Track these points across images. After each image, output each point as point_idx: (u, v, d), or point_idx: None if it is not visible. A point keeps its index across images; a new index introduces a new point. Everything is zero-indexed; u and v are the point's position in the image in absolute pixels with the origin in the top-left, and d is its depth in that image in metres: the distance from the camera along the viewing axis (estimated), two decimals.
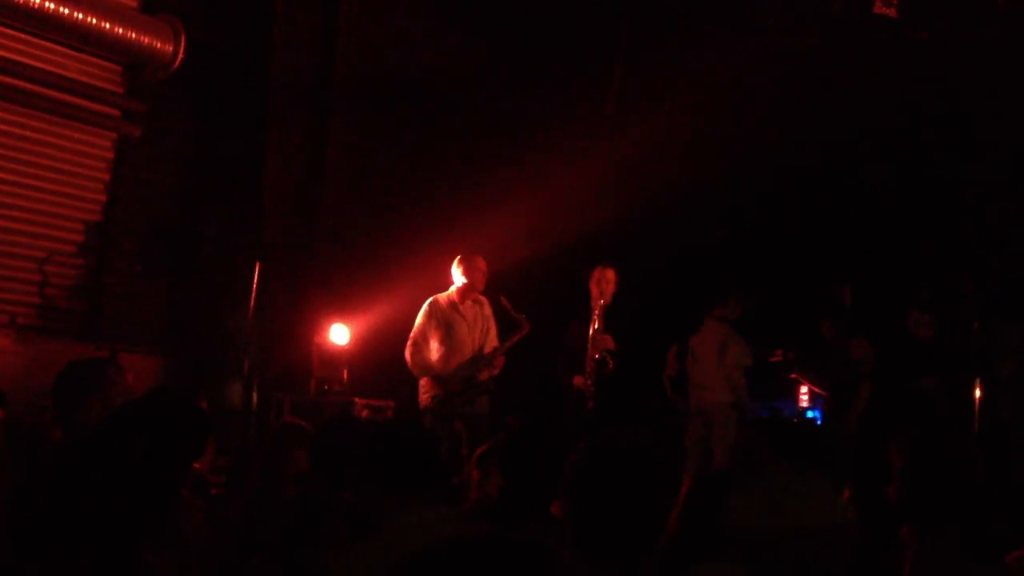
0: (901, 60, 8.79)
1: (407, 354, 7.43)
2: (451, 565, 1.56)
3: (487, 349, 7.51)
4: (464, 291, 7.50)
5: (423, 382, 7.42)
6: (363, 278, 8.62)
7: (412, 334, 7.47)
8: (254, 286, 7.04)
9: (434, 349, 7.41)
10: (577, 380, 7.51)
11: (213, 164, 8.42)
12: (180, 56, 7.77)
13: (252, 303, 7.02)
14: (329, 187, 8.79)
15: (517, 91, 9.41)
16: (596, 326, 7.48)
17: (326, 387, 8.00)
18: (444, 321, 7.43)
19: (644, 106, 9.37)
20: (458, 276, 7.51)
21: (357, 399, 7.93)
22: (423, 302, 7.63)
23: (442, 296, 7.55)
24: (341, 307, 8.47)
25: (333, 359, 8.23)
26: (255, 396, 7.38)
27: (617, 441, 2.46)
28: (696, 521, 2.79)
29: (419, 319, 7.49)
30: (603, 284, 7.65)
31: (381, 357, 8.35)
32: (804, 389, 9.51)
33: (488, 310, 7.60)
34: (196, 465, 4.01)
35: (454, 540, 1.59)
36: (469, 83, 9.22)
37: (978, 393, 6.49)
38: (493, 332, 7.59)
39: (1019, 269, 8.23)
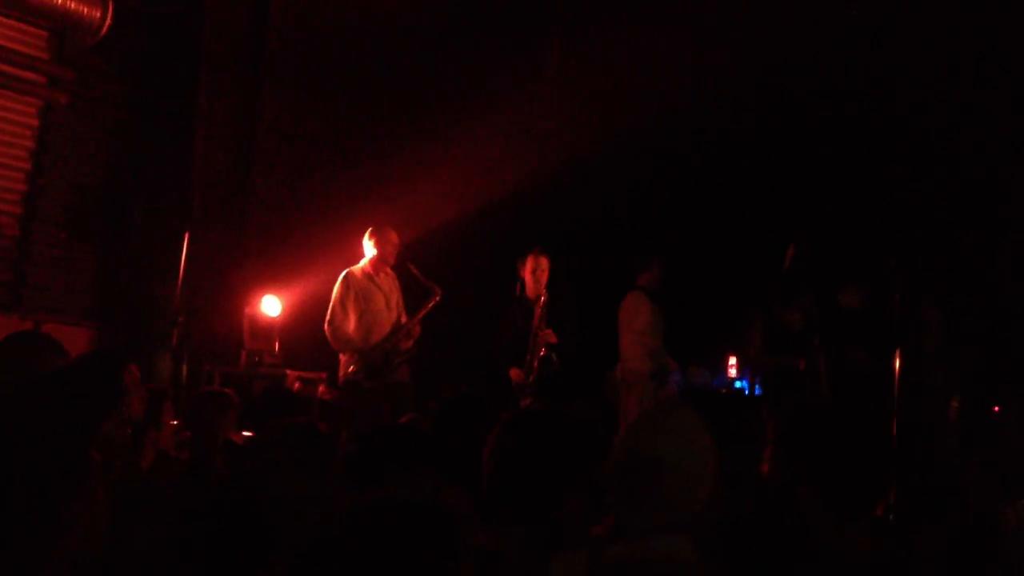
0: (837, 31, 8.90)
1: (327, 329, 7.26)
2: (350, 529, 1.60)
3: (403, 319, 7.45)
4: (376, 263, 7.38)
5: (343, 357, 7.32)
6: (295, 249, 8.56)
7: (331, 308, 7.33)
8: (183, 256, 6.96)
9: (352, 322, 7.31)
10: (514, 373, 7.46)
11: (142, 132, 8.31)
12: (108, 22, 7.64)
13: (181, 274, 6.94)
14: (260, 156, 8.71)
15: (452, 62, 9.38)
16: (537, 320, 7.40)
17: (257, 359, 7.94)
18: (362, 293, 7.32)
19: (579, 82, 9.40)
20: (369, 248, 7.37)
21: (289, 371, 7.89)
22: None
23: (356, 268, 7.41)
24: (273, 278, 8.40)
25: (265, 331, 8.17)
26: (185, 368, 7.31)
27: (536, 412, 2.53)
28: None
29: (336, 293, 7.31)
30: (538, 273, 7.51)
31: (314, 329, 8.31)
32: (732, 360, 9.67)
33: (396, 280, 7.52)
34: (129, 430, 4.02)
35: (354, 504, 1.62)
36: (403, 52, 9.16)
37: (898, 364, 6.63)
38: (397, 299, 7.50)
39: (942, 247, 8.43)
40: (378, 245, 7.35)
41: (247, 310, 8.18)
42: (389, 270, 7.43)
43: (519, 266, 7.59)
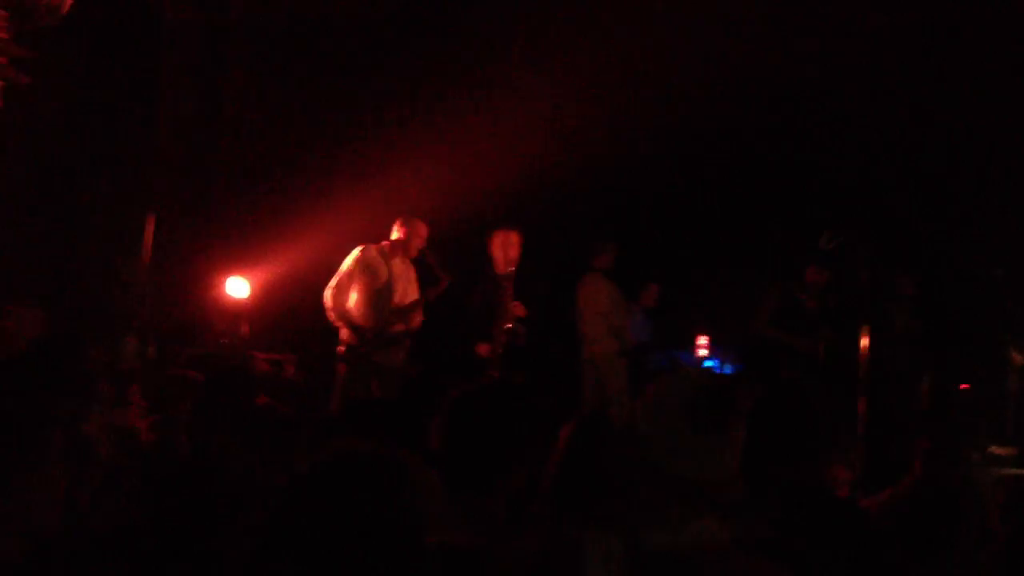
0: (799, 19, 8.93)
1: (327, 297, 7.25)
2: (310, 480, 1.61)
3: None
4: (395, 246, 7.41)
5: (342, 332, 7.33)
6: (263, 230, 8.51)
7: (337, 276, 7.32)
8: (148, 238, 6.90)
9: (354, 296, 7.31)
10: (481, 348, 7.42)
11: (105, 112, 8.20)
12: (69, 2, 7.52)
13: (146, 256, 6.88)
14: (225, 136, 8.64)
15: (421, 42, 9.32)
16: (504, 293, 7.38)
17: (224, 340, 7.90)
18: (370, 271, 7.32)
19: (549, 63, 9.36)
20: (396, 232, 7.41)
21: (256, 353, 7.85)
22: (323, 255, 7.57)
23: (374, 246, 7.44)
24: (241, 260, 8.35)
25: (232, 312, 8.14)
26: (152, 349, 7.26)
27: (482, 386, 2.55)
28: (575, 462, 2.86)
29: (346, 264, 7.32)
30: (507, 248, 7.44)
31: (282, 311, 8.28)
32: (703, 340, 9.71)
33: (413, 272, 7.54)
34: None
35: (311, 461, 1.66)
36: (371, 31, 9.10)
37: (864, 342, 6.69)
38: (413, 293, 7.51)
39: (909, 220, 8.49)
40: (405, 233, 7.40)
41: (214, 292, 8.14)
42: (406, 258, 7.45)
43: (488, 241, 7.55)
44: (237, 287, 8.15)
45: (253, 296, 8.23)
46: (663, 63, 9.06)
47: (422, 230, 7.45)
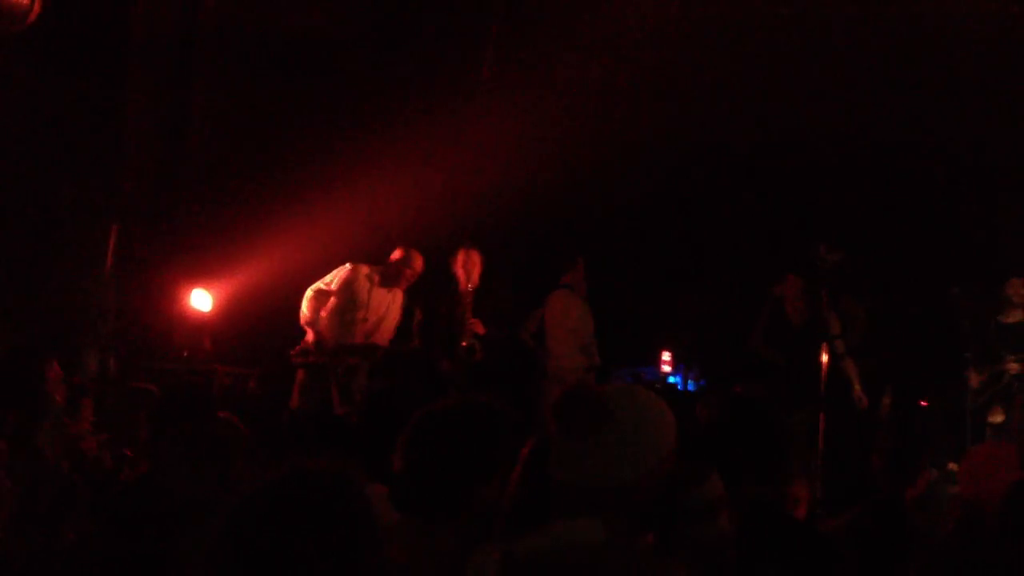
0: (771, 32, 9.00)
1: (304, 299, 7.33)
2: (263, 502, 1.61)
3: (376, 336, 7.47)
4: (387, 274, 7.43)
5: (310, 334, 7.33)
6: (226, 244, 8.45)
7: (320, 284, 7.36)
8: (111, 249, 6.85)
9: (330, 305, 7.33)
10: (445, 364, 7.48)
11: (70, 121, 8.13)
12: (36, 9, 7.47)
13: (109, 267, 6.83)
14: (191, 148, 8.59)
15: (388, 55, 9.32)
16: (464, 311, 7.46)
17: (187, 354, 7.85)
18: (351, 291, 7.35)
19: (517, 80, 9.39)
20: (395, 258, 7.44)
21: (220, 366, 7.81)
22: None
23: (364, 267, 7.45)
24: (204, 273, 8.30)
25: (196, 326, 8.08)
26: (113, 363, 7.20)
27: (447, 406, 2.53)
28: (533, 479, 2.86)
29: (332, 276, 7.38)
30: (469, 267, 7.55)
31: (246, 325, 8.23)
32: (666, 355, 9.75)
33: (399, 301, 7.54)
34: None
35: (267, 480, 1.66)
36: (338, 44, 9.09)
37: (824, 358, 6.76)
38: (390, 318, 7.52)
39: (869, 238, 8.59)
40: (399, 263, 7.40)
41: (177, 305, 8.08)
42: (394, 287, 7.45)
43: (451, 261, 7.62)
44: (200, 300, 8.10)
45: (217, 309, 8.18)
46: (632, 79, 9.12)
47: (417, 264, 7.46)
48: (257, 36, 8.73)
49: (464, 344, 7.34)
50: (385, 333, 7.53)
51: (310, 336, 7.34)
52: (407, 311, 7.61)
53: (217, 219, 8.57)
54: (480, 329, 7.40)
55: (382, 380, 6.99)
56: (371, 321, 7.44)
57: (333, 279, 7.37)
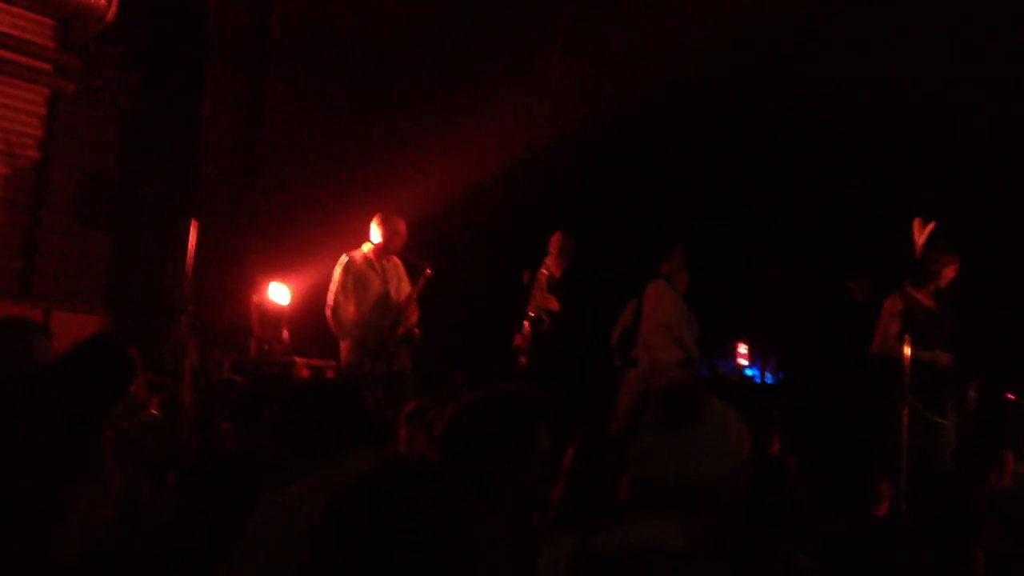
0: (834, 31, 8.88)
1: (328, 314, 7.23)
2: (364, 494, 1.63)
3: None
4: (379, 250, 7.34)
5: (344, 344, 7.30)
6: (304, 237, 8.55)
7: (332, 293, 7.28)
8: (191, 245, 6.97)
9: (352, 308, 7.27)
10: (517, 339, 7.58)
11: (150, 119, 8.29)
12: (113, 10, 7.61)
13: (189, 262, 6.94)
14: (268, 143, 8.71)
15: (458, 50, 9.36)
16: (543, 286, 7.58)
17: (266, 347, 7.95)
18: (360, 279, 7.25)
19: (588, 67, 9.37)
20: (376, 234, 7.28)
21: (298, 358, 7.89)
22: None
23: (357, 253, 7.35)
24: (282, 266, 8.41)
25: (274, 319, 8.19)
26: (195, 355, 7.31)
27: (480, 396, 2.54)
28: (584, 479, 2.86)
29: (336, 278, 7.25)
30: (564, 248, 7.83)
31: (322, 316, 8.31)
32: (743, 348, 9.65)
33: (402, 269, 7.46)
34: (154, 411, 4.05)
35: (364, 473, 1.70)
36: (410, 41, 9.15)
37: (907, 351, 6.60)
38: (406, 288, 7.44)
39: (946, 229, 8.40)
40: (384, 234, 7.28)
41: (256, 298, 8.20)
42: (394, 258, 7.40)
43: (549, 241, 7.80)
44: (279, 293, 8.20)
45: (294, 302, 8.28)
46: (712, 66, 9.05)
47: (400, 226, 7.30)
48: (330, 33, 8.81)
49: (532, 314, 7.41)
50: (403, 302, 7.43)
51: (342, 348, 7.29)
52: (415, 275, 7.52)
53: (293, 214, 8.68)
54: (555, 306, 7.47)
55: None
56: (393, 297, 7.36)
57: (337, 280, 7.29)
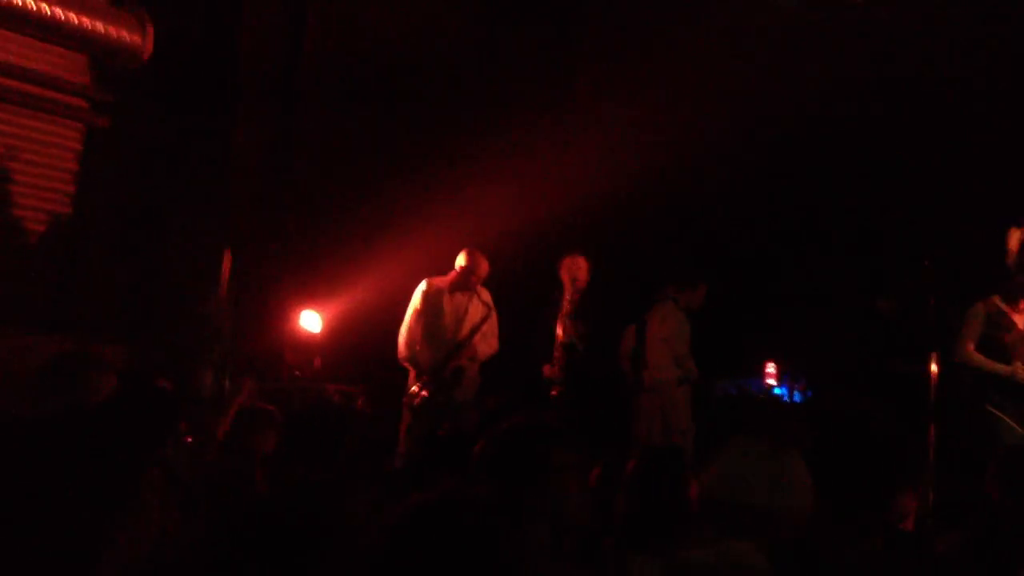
0: (862, 46, 8.91)
1: (399, 336, 7.50)
2: (398, 527, 1.70)
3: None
4: (457, 279, 7.58)
5: (410, 375, 7.52)
6: (334, 265, 8.67)
7: (407, 317, 7.55)
8: (224, 274, 7.08)
9: (419, 335, 7.49)
10: (545, 369, 7.60)
11: (182, 152, 8.42)
12: (149, 48, 7.77)
13: (223, 291, 7.06)
14: (297, 174, 8.83)
15: (488, 77, 9.46)
16: (566, 312, 7.58)
17: (298, 373, 8.06)
18: (431, 307, 7.50)
19: (613, 94, 9.44)
20: (458, 263, 7.57)
21: (329, 385, 8.00)
22: (393, 289, 7.72)
23: (437, 279, 7.63)
24: (313, 294, 8.52)
25: (305, 346, 8.29)
26: (227, 383, 7.42)
27: (511, 426, 2.65)
28: (652, 494, 2.91)
29: (413, 301, 7.56)
30: (574, 271, 7.77)
31: (353, 343, 8.41)
32: (771, 367, 9.64)
33: (478, 305, 7.64)
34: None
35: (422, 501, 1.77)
36: (439, 69, 9.26)
37: (934, 368, 6.59)
38: (470, 325, 7.60)
39: (973, 247, 8.36)
40: (463, 267, 7.52)
41: (288, 325, 8.31)
42: (479, 293, 7.57)
43: (557, 266, 7.78)
44: (310, 321, 8.31)
45: (325, 329, 8.39)
46: (736, 86, 9.09)
47: (479, 266, 7.55)
48: (359, 64, 8.94)
49: (564, 341, 7.44)
50: (464, 337, 7.59)
51: (411, 375, 7.49)
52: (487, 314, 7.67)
53: (324, 242, 8.80)
54: (582, 328, 7.51)
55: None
56: (455, 329, 7.52)
57: (413, 304, 7.53)
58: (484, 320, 7.57)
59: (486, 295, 7.71)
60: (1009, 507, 4.28)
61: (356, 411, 7.49)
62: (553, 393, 7.45)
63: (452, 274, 7.62)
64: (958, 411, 7.08)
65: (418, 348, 7.46)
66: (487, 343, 7.65)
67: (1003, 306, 7.08)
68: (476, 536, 1.74)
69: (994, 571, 3.84)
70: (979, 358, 6.76)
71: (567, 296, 7.66)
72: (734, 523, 2.29)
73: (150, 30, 7.69)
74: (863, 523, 3.04)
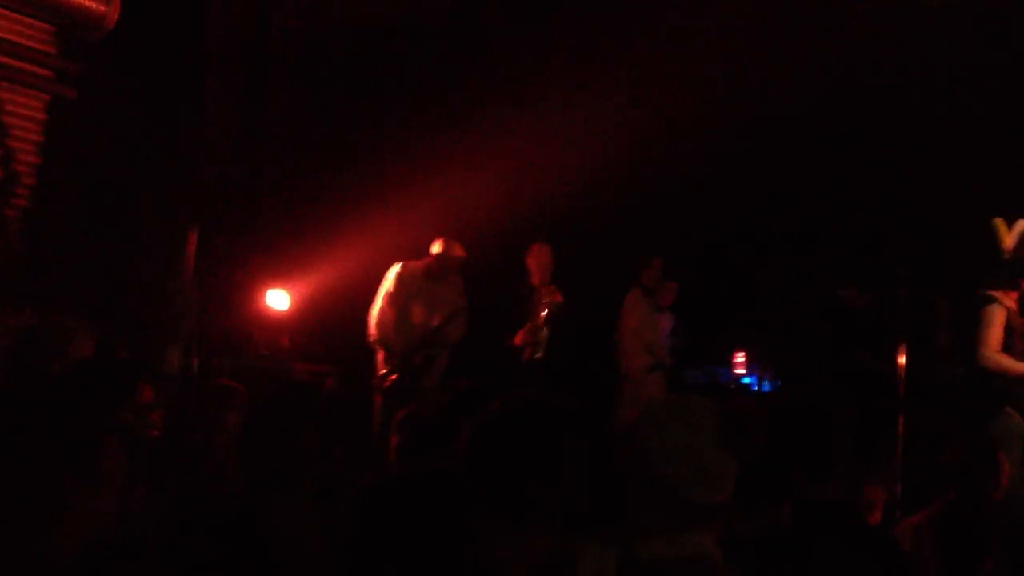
0: (845, 34, 8.91)
1: (370, 317, 7.46)
2: (370, 500, 1.65)
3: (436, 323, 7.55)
4: (430, 265, 7.54)
5: (379, 356, 7.47)
6: (304, 243, 8.60)
7: (378, 299, 7.50)
8: (192, 250, 6.99)
9: (392, 318, 7.45)
10: (517, 338, 7.59)
11: (150, 125, 8.31)
12: (115, 17, 7.64)
13: (190, 267, 6.97)
14: (267, 153, 8.74)
15: (460, 57, 9.40)
16: (536, 303, 7.59)
17: (266, 352, 7.99)
18: (405, 291, 7.48)
19: (585, 84, 9.39)
20: (436, 250, 7.55)
21: (298, 364, 7.93)
22: (364, 268, 7.66)
23: (412, 263, 7.59)
24: (282, 272, 8.45)
25: (273, 324, 8.22)
26: (195, 361, 7.33)
27: (506, 407, 2.49)
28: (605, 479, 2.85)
29: (385, 283, 7.51)
30: (541, 260, 7.84)
31: (322, 323, 8.34)
32: (740, 356, 9.68)
33: (449, 292, 7.61)
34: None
35: (377, 477, 1.75)
36: (411, 48, 9.18)
37: (903, 360, 6.61)
38: (443, 311, 7.56)
39: (947, 241, 8.41)
40: (438, 254, 7.52)
41: (256, 304, 8.22)
42: (453, 280, 7.54)
43: (525, 256, 7.77)
44: (278, 299, 8.23)
45: (294, 308, 8.31)
46: (706, 77, 9.07)
47: (453, 250, 7.52)
48: (331, 36, 8.85)
49: (545, 313, 7.44)
50: (436, 324, 7.57)
51: (379, 357, 7.45)
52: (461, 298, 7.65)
53: (293, 221, 8.72)
54: (559, 297, 7.51)
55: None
56: (426, 315, 7.50)
57: (385, 285, 7.49)
58: (458, 310, 7.54)
59: (460, 283, 7.68)
60: (966, 496, 4.29)
61: (324, 390, 7.46)
62: (524, 356, 7.45)
63: (427, 259, 7.58)
64: (975, 410, 6.97)
65: (389, 331, 7.41)
66: (459, 330, 7.63)
67: (1006, 300, 6.92)
68: (436, 517, 1.70)
69: (947, 558, 3.85)
70: (1006, 360, 6.62)
71: (537, 279, 7.68)
72: (680, 514, 2.24)
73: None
74: (824, 515, 3.02)
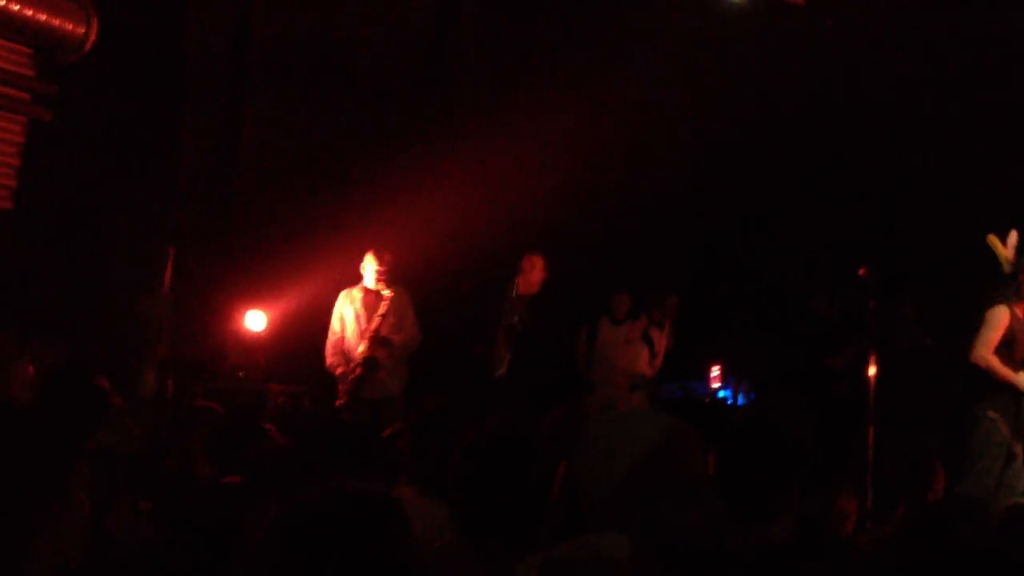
0: (807, 48, 9.02)
1: (327, 348, 7.58)
2: (302, 519, 1.69)
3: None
4: (363, 282, 7.65)
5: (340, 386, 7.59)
6: (280, 264, 8.62)
7: (331, 328, 7.64)
8: (168, 271, 7.02)
9: (335, 340, 7.59)
10: (476, 349, 7.71)
11: (127, 147, 8.32)
12: (92, 39, 7.66)
13: (166, 289, 6.99)
14: (244, 172, 8.77)
15: (440, 72, 9.45)
16: (522, 314, 7.64)
17: (241, 373, 8.00)
18: (340, 311, 7.60)
19: (563, 92, 9.46)
20: (365, 262, 7.61)
21: (273, 385, 7.96)
22: (341, 288, 7.72)
23: (351, 288, 7.70)
24: (258, 293, 8.47)
25: (250, 345, 8.24)
26: (170, 382, 7.35)
27: (500, 432, 2.57)
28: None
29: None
30: (529, 272, 7.85)
31: (298, 343, 8.37)
32: (715, 370, 9.75)
33: (389, 303, 7.61)
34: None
35: (310, 497, 1.72)
36: (390, 64, 9.24)
37: (872, 370, 6.67)
38: (382, 318, 7.62)
39: (909, 247, 8.52)
40: (365, 265, 7.58)
41: (232, 325, 8.24)
42: (388, 292, 7.57)
43: (517, 265, 7.87)
44: (255, 320, 8.25)
45: (270, 329, 8.34)
46: (681, 88, 9.18)
47: (375, 259, 7.55)
48: (307, 58, 8.90)
49: (506, 322, 7.52)
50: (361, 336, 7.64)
51: (338, 372, 7.56)
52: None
53: (270, 241, 8.74)
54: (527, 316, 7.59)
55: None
56: (361, 330, 7.57)
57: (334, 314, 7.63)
58: (389, 312, 7.53)
59: (401, 293, 7.69)
60: (928, 505, 4.34)
61: (300, 410, 7.51)
62: (499, 374, 7.51)
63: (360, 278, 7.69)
64: (956, 409, 7.02)
65: (329, 354, 7.56)
66: (403, 332, 7.64)
67: (1015, 309, 6.91)
68: (362, 537, 1.70)
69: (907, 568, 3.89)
70: (997, 363, 6.64)
71: (523, 294, 7.74)
72: (600, 518, 2.28)
73: (95, 21, 7.57)
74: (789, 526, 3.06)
